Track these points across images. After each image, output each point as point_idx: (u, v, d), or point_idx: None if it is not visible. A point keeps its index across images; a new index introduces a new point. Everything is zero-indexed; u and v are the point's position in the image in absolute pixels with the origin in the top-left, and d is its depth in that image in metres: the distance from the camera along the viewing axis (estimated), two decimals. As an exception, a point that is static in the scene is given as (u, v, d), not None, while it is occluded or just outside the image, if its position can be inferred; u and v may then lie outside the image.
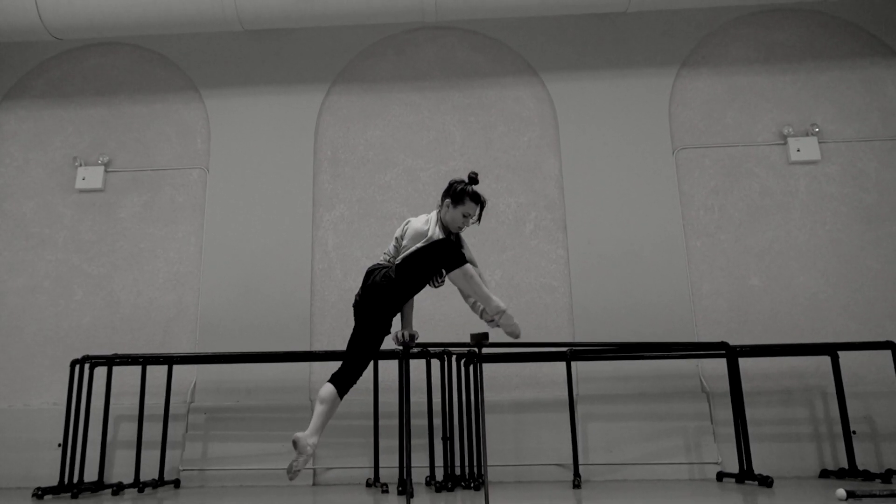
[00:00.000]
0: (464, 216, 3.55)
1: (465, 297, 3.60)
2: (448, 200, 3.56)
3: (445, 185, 5.69)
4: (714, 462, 4.92)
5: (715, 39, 5.98)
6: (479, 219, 3.63)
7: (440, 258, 3.40)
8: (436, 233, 3.52)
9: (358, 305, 3.59)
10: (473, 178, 3.58)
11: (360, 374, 3.56)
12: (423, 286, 3.57)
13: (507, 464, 5.00)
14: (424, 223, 3.57)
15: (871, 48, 5.87)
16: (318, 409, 3.41)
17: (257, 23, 5.66)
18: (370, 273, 3.57)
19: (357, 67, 6.08)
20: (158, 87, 6.12)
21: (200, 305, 5.53)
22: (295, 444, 3.30)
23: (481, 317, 3.53)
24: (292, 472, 3.29)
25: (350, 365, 3.53)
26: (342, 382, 3.49)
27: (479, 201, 3.58)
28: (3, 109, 6.14)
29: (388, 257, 3.66)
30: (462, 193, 3.53)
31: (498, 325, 3.46)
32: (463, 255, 3.43)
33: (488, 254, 5.53)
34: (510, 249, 5.56)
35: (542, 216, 5.66)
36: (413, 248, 3.52)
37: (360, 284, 3.63)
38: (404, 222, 3.69)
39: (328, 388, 3.44)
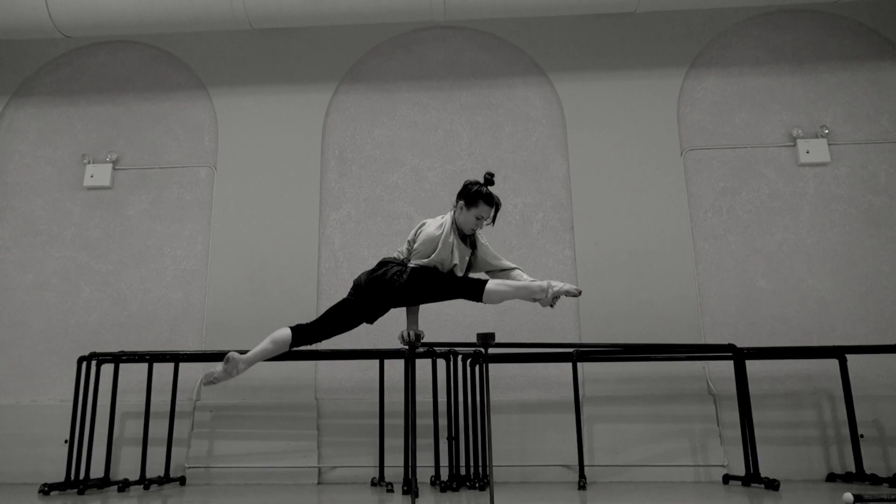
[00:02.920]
0: (477, 218, 3.50)
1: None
2: (462, 202, 3.51)
3: (452, 185, 5.71)
4: (720, 465, 4.90)
5: (724, 40, 5.95)
6: (493, 220, 3.57)
7: (458, 293, 3.45)
8: (448, 259, 3.48)
9: (358, 287, 3.58)
10: (489, 180, 3.52)
11: (319, 341, 3.60)
12: (425, 303, 3.61)
13: (512, 464, 4.99)
14: (437, 228, 3.51)
15: (881, 50, 5.83)
16: (265, 345, 3.48)
17: (266, 21, 5.66)
18: (383, 264, 3.55)
19: (365, 66, 6.08)
20: (167, 85, 6.14)
21: (207, 303, 5.54)
22: (227, 360, 3.40)
23: (535, 300, 3.48)
24: (207, 381, 3.42)
25: (317, 326, 3.57)
26: (300, 336, 3.52)
27: (492, 203, 3.51)
28: (12, 107, 6.16)
29: (401, 257, 3.63)
30: (476, 195, 3.48)
31: (557, 298, 3.42)
32: (479, 282, 3.41)
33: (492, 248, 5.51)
34: (517, 250, 5.55)
35: (549, 216, 5.65)
36: (429, 263, 3.47)
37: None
38: (419, 224, 3.64)
39: (284, 333, 3.50)
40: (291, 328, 3.52)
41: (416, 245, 3.54)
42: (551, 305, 3.43)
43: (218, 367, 3.42)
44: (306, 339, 3.55)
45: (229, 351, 5.03)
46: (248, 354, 3.46)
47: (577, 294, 3.42)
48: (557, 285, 3.40)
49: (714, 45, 5.95)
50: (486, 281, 3.42)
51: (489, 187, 3.52)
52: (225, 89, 6.04)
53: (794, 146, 5.65)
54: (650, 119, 5.75)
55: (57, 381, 5.46)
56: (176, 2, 5.43)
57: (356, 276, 3.65)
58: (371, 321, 3.66)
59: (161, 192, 5.88)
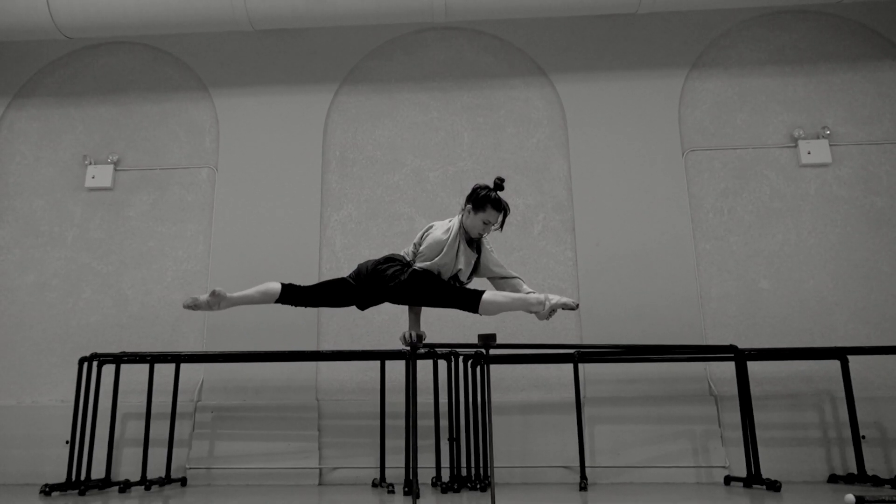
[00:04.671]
0: (484, 223, 3.48)
1: None
2: (469, 206, 3.49)
3: (453, 186, 5.73)
4: (722, 466, 4.89)
5: (725, 41, 5.95)
6: (501, 226, 3.56)
7: (454, 303, 3.45)
8: (451, 263, 3.47)
9: (360, 273, 3.58)
10: (498, 185, 3.50)
11: (304, 305, 3.59)
12: (421, 306, 3.63)
13: (513, 465, 4.99)
14: (444, 232, 3.50)
15: (883, 51, 5.83)
16: (252, 292, 3.48)
17: (267, 22, 5.67)
18: (389, 259, 3.56)
19: (366, 67, 6.08)
20: (168, 86, 6.14)
21: (208, 304, 5.53)
22: (213, 293, 3.40)
23: (531, 312, 3.47)
24: (187, 304, 3.41)
25: (308, 292, 3.56)
26: (288, 294, 3.52)
27: (500, 208, 3.49)
28: (14, 108, 6.17)
29: (408, 258, 3.63)
30: (484, 200, 3.46)
31: (554, 311, 3.39)
32: (475, 293, 3.39)
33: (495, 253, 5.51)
34: (518, 251, 5.55)
35: (550, 217, 5.65)
36: (432, 266, 3.46)
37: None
38: (427, 226, 3.63)
39: (275, 286, 3.50)
40: (283, 284, 3.52)
41: (421, 248, 3.53)
42: (548, 318, 3.41)
43: (203, 296, 3.42)
44: (293, 300, 3.55)
45: (230, 352, 5.10)
46: (234, 295, 3.46)
47: (575, 307, 3.39)
48: (555, 298, 3.38)
49: (715, 45, 5.94)
50: (482, 292, 3.41)
51: (498, 192, 3.51)
52: (226, 90, 6.04)
53: (796, 147, 5.64)
54: (651, 120, 5.75)
55: (58, 382, 5.46)
56: (177, 3, 5.44)
57: (363, 261, 3.65)
58: (362, 308, 3.66)
59: (162, 193, 5.88)
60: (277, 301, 3.53)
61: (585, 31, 6.00)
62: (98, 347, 5.36)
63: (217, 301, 3.40)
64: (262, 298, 3.50)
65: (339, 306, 3.71)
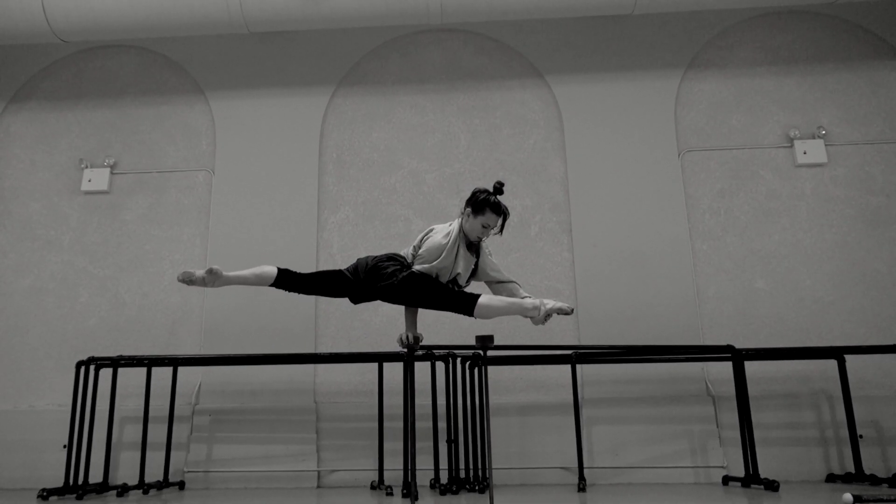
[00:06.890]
0: (483, 227, 3.49)
1: None
2: (469, 209, 3.51)
3: (450, 188, 5.73)
4: (720, 466, 4.90)
5: (721, 42, 5.96)
6: (501, 230, 3.57)
7: (449, 306, 3.45)
8: (450, 267, 3.48)
9: (358, 268, 3.57)
10: (498, 189, 3.51)
11: (297, 291, 3.59)
12: (416, 308, 3.63)
13: (511, 467, 4.99)
14: (444, 237, 3.51)
15: (878, 51, 5.85)
16: (248, 274, 3.47)
17: (263, 25, 5.66)
18: (390, 258, 3.56)
19: (362, 70, 6.09)
20: (164, 89, 6.14)
21: (205, 307, 5.54)
22: (210, 271, 3.38)
23: (527, 317, 3.49)
24: (182, 278, 3.39)
25: (304, 279, 3.56)
26: (283, 279, 3.50)
27: (500, 212, 3.50)
28: (10, 112, 6.16)
29: (408, 259, 3.63)
30: (483, 204, 3.47)
31: (550, 316, 3.41)
32: (471, 297, 3.39)
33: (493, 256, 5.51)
34: (515, 252, 5.55)
35: (547, 219, 5.65)
36: (431, 269, 3.47)
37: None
38: (428, 229, 3.63)
39: (271, 270, 3.49)
40: (279, 269, 3.51)
41: (421, 251, 3.54)
42: (543, 323, 3.42)
43: (200, 271, 3.42)
44: (287, 285, 3.54)
45: (228, 355, 5.09)
46: (230, 274, 3.45)
47: (570, 312, 3.43)
48: (550, 303, 3.40)
49: (711, 46, 5.96)
50: (478, 296, 3.42)
51: (498, 196, 3.51)
52: (222, 93, 6.04)
53: (792, 147, 5.66)
54: (647, 121, 5.76)
55: (55, 386, 5.44)
56: (173, 6, 5.43)
57: (363, 256, 3.64)
58: (355, 302, 3.67)
59: (159, 196, 5.88)
60: (272, 285, 3.52)
61: (581, 32, 6.01)
62: (95, 351, 5.35)
63: (213, 279, 3.39)
64: (258, 281, 3.49)
65: (332, 297, 3.70)
